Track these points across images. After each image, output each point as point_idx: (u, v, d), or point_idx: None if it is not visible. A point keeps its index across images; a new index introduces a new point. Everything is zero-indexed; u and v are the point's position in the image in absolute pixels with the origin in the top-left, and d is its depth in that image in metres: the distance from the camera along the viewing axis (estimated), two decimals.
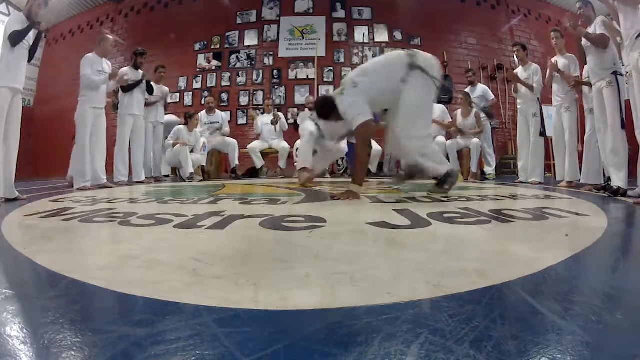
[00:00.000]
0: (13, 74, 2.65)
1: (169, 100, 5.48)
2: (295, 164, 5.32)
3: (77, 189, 3.56)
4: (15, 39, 2.63)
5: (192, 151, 4.89)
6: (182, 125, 5.04)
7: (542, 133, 3.99)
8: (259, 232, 1.35)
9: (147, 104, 4.81)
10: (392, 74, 2.35)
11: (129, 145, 4.48)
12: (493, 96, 5.41)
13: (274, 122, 5.65)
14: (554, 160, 4.12)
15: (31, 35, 2.77)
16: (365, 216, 1.66)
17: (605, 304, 0.68)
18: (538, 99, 4.01)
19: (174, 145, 4.81)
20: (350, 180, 2.71)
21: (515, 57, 4.37)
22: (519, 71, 4.13)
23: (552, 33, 3.77)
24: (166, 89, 5.31)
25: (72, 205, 2.19)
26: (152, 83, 4.73)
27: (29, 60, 2.82)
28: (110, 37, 4.13)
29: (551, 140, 4.23)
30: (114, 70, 3.96)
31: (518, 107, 4.23)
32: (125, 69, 4.37)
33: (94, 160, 3.80)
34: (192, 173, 4.73)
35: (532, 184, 3.80)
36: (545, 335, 0.53)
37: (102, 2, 7.92)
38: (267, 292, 0.72)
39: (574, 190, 3.12)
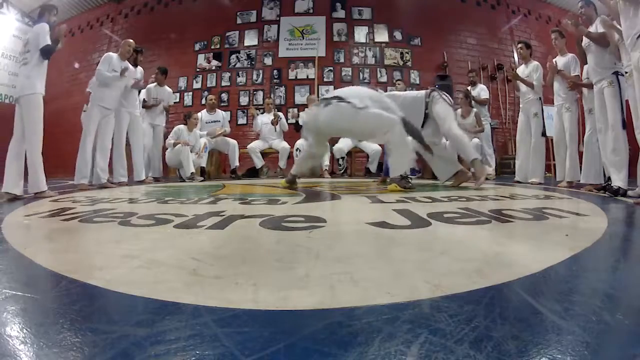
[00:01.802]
0: (43, 82, 3.26)
1: (171, 103, 5.44)
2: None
3: (78, 187, 3.59)
4: (49, 54, 3.08)
5: (191, 151, 4.89)
6: (182, 125, 5.04)
7: (543, 133, 4.00)
8: (259, 232, 1.35)
9: (145, 107, 4.81)
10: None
11: (129, 145, 4.47)
12: (487, 95, 5.42)
13: (275, 123, 5.65)
14: (554, 160, 4.13)
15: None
16: (365, 216, 1.66)
17: (605, 304, 0.68)
18: (540, 98, 4.01)
19: (174, 145, 4.80)
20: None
21: (517, 54, 4.38)
22: (520, 69, 4.15)
23: (552, 33, 3.78)
24: (169, 90, 5.27)
25: (72, 205, 2.20)
26: (151, 86, 4.71)
27: None
28: (130, 40, 4.16)
29: (552, 140, 4.23)
30: (123, 70, 3.95)
31: (520, 105, 4.23)
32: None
33: (95, 159, 3.85)
34: (192, 173, 4.73)
35: (532, 184, 3.80)
36: (545, 335, 0.53)
37: (102, 2, 7.92)
38: (267, 292, 0.72)
39: (574, 190, 3.12)
